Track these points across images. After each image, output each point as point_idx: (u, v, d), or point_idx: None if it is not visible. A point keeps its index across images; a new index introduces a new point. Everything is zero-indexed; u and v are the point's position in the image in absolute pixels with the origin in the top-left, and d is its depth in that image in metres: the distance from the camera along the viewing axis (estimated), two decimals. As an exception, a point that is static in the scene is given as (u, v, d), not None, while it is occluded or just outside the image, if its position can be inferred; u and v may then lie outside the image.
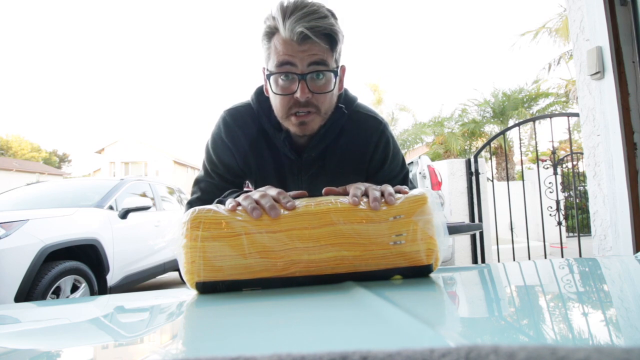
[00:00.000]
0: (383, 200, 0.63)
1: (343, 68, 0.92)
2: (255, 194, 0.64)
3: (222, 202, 0.84)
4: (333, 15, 0.83)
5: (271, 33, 0.83)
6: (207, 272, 0.57)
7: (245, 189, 1.00)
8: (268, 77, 0.84)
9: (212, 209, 0.60)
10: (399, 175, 1.03)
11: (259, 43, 0.87)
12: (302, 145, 0.96)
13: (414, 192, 0.65)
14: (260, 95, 0.97)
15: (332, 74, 0.84)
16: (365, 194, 0.64)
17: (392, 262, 0.60)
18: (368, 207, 0.61)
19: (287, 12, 0.78)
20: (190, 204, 0.99)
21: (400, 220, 0.60)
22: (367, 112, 1.01)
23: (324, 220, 0.59)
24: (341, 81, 0.93)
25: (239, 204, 0.62)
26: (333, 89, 0.86)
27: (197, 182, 1.03)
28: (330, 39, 0.81)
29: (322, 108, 0.86)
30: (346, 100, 0.98)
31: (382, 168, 1.00)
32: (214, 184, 0.99)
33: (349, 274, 0.60)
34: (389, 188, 0.65)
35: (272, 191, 0.65)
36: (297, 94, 0.82)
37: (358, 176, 0.98)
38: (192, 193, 1.04)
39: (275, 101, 0.87)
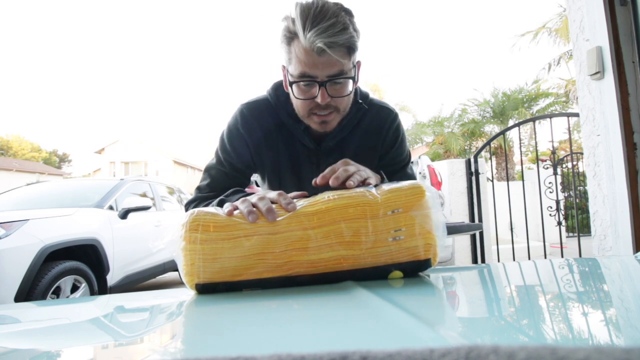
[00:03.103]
0: (379, 190, 0.65)
1: (358, 63, 0.95)
2: (253, 198, 0.64)
3: (223, 202, 0.85)
4: (349, 14, 0.85)
5: (291, 38, 0.86)
6: (207, 273, 0.57)
7: (247, 190, 1.01)
8: (291, 84, 0.89)
9: (210, 211, 0.61)
10: (403, 161, 1.10)
11: (277, 41, 0.90)
12: (321, 135, 1.00)
13: (410, 183, 0.64)
14: (278, 89, 1.01)
15: (350, 79, 0.89)
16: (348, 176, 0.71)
17: (391, 258, 0.60)
18: (366, 201, 0.61)
19: (307, 22, 0.81)
20: (199, 189, 1.05)
21: (399, 214, 0.60)
22: (380, 104, 1.08)
23: (322, 219, 0.59)
24: (357, 75, 0.97)
25: (236, 208, 0.62)
26: (350, 92, 0.92)
27: (208, 169, 1.07)
28: (348, 49, 0.85)
29: (341, 108, 0.92)
30: (362, 96, 1.04)
31: (389, 152, 1.07)
32: (225, 172, 1.03)
33: (348, 272, 0.60)
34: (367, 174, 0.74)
35: (272, 194, 0.65)
36: (318, 99, 0.87)
37: (372, 162, 1.04)
38: (202, 180, 1.07)
39: (297, 103, 0.92)
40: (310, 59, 0.83)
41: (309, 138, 0.99)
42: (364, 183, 0.72)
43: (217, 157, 1.06)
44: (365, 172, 0.75)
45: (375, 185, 0.68)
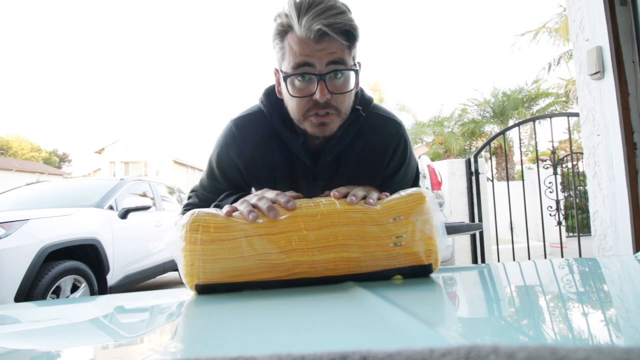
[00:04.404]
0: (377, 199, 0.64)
1: (359, 65, 0.86)
2: (253, 198, 0.64)
3: (219, 206, 0.82)
4: (348, 10, 0.78)
5: (284, 32, 0.78)
6: (207, 274, 0.57)
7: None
8: (285, 79, 0.79)
9: (210, 212, 0.61)
10: (409, 182, 1.00)
11: (270, 43, 0.83)
12: (317, 149, 0.91)
13: (411, 190, 0.65)
14: (271, 95, 0.92)
15: (350, 73, 0.80)
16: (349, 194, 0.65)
17: (392, 263, 0.60)
18: (367, 208, 0.61)
19: (302, 9, 0.74)
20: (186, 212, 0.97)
21: (400, 221, 0.60)
22: (385, 114, 0.96)
23: (324, 222, 0.59)
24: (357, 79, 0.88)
25: (235, 209, 0.62)
26: (353, 89, 0.82)
27: (195, 191, 1.02)
28: (349, 35, 0.76)
29: (342, 109, 0.82)
30: (362, 101, 0.93)
31: (397, 173, 0.96)
32: (213, 199, 0.94)
33: (349, 276, 0.60)
34: (373, 194, 0.65)
35: (270, 193, 0.65)
36: (316, 95, 0.77)
37: (373, 181, 0.93)
38: (189, 198, 1.02)
39: (292, 103, 0.82)
40: (307, 47, 0.75)
41: (306, 153, 0.90)
42: (364, 198, 0.66)
43: (202, 184, 0.99)
44: (371, 196, 0.67)
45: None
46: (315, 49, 0.75)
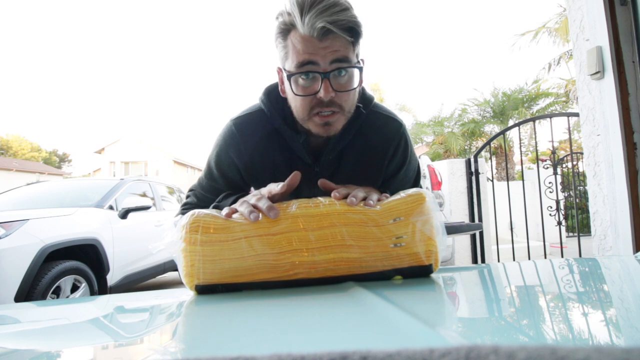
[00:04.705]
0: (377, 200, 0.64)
1: (362, 62, 0.85)
2: (252, 199, 0.64)
3: (218, 207, 0.82)
4: (351, 7, 0.77)
5: (287, 30, 0.77)
6: (207, 275, 0.57)
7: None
8: (288, 77, 0.78)
9: (210, 213, 0.61)
10: (410, 182, 1.00)
11: (273, 42, 0.82)
12: (318, 148, 0.91)
13: (410, 191, 0.65)
14: (271, 94, 0.91)
15: (354, 70, 0.79)
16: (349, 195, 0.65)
17: (392, 263, 0.60)
18: (367, 209, 0.61)
19: (305, 7, 0.73)
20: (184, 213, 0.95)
21: (400, 222, 0.60)
22: (386, 113, 0.95)
23: (323, 222, 0.59)
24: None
25: (235, 211, 0.62)
26: (357, 86, 0.82)
27: (193, 189, 1.02)
28: (353, 32, 0.76)
29: (346, 107, 0.81)
30: (363, 99, 0.92)
31: (398, 172, 0.96)
32: (211, 199, 0.94)
33: (349, 276, 0.60)
34: (373, 195, 0.65)
35: (265, 190, 0.65)
36: (321, 94, 0.77)
37: (375, 180, 0.93)
38: (187, 197, 1.02)
39: (296, 102, 0.82)
40: (311, 45, 0.74)
41: (308, 152, 0.89)
42: (364, 199, 0.65)
43: (199, 184, 0.99)
44: (371, 197, 0.66)
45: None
46: (319, 47, 0.74)
